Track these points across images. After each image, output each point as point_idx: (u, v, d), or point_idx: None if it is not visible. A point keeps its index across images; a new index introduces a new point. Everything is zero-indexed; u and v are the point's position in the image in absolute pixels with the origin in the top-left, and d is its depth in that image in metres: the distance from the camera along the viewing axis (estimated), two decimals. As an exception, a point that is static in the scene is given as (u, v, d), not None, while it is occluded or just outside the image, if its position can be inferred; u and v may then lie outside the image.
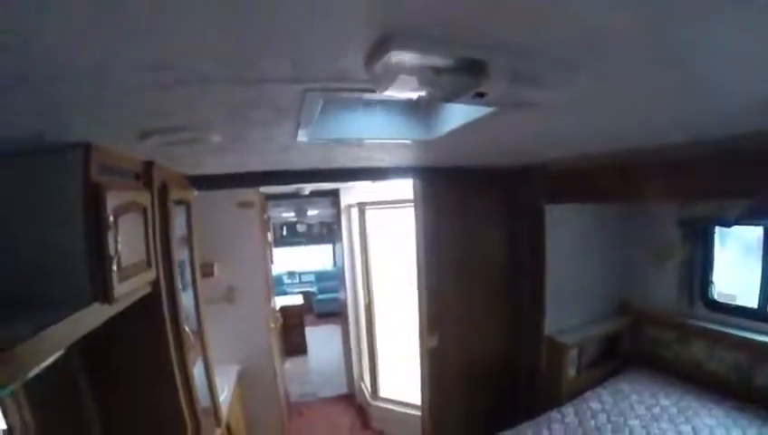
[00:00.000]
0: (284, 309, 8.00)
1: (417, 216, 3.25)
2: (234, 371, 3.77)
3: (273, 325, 4.16)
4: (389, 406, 4.60)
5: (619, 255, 3.77)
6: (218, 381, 3.45)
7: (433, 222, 3.21)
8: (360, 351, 5.12)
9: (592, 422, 2.88)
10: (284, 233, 11.42)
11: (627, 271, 3.81)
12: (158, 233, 1.89)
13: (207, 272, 3.52)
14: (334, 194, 4.90)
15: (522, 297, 3.71)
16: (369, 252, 4.30)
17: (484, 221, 3.48)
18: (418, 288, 3.37)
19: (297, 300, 8.58)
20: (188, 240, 2.46)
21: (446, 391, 3.52)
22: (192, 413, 2.09)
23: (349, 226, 4.75)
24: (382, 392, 4.69)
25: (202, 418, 2.19)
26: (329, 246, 12.22)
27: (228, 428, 3.17)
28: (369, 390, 4.75)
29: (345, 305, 5.12)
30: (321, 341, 9.08)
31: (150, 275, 1.76)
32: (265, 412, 4.22)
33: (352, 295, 4.97)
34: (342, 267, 4.94)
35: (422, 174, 3.10)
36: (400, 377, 4.97)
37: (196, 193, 2.61)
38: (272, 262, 8.56)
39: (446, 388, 3.51)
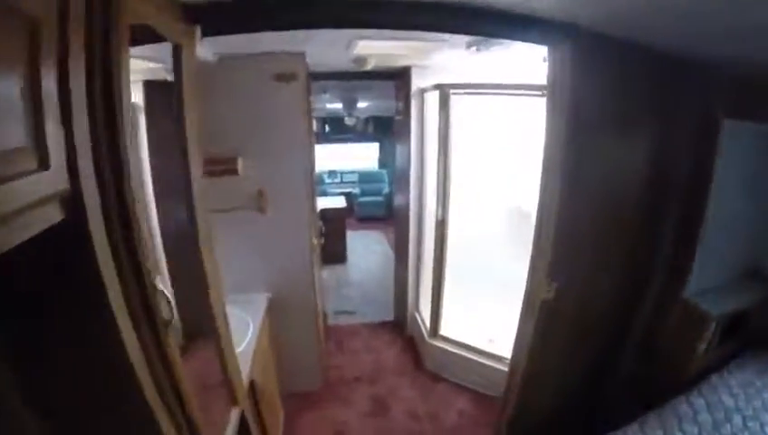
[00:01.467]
0: (324, 212, 7.11)
1: (553, 111, 2.08)
2: (263, 302, 2.90)
3: (315, 241, 3.21)
4: (452, 348, 3.73)
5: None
6: (241, 320, 2.61)
7: (573, 125, 2.03)
8: (420, 274, 4.16)
9: (728, 427, 2.08)
10: (327, 128, 10.28)
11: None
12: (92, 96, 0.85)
13: (229, 169, 2.53)
14: (401, 75, 3.71)
15: (660, 241, 2.62)
16: (449, 154, 3.17)
17: (630, 129, 2.29)
18: (540, 220, 2.30)
19: (339, 202, 7.66)
20: (177, 112, 1.40)
21: (547, 352, 2.56)
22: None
23: (420, 116, 3.60)
24: (444, 331, 3.79)
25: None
26: (374, 145, 11.13)
27: (252, 387, 2.32)
28: (428, 325, 3.86)
29: (405, 215, 4.06)
30: (362, 248, 8.30)
31: (53, 183, 0.74)
32: (302, 350, 3.42)
33: (416, 205, 3.92)
34: (407, 168, 3.82)
35: (574, 40, 1.88)
36: (468, 316, 4.07)
37: (198, 34, 1.50)
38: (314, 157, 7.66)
39: (548, 348, 2.55)
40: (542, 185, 2.22)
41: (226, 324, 1.81)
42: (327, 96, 5.26)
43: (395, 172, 4.64)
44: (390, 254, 7.94)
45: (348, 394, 3.66)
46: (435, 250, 3.50)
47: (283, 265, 3.01)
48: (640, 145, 2.37)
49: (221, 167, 2.48)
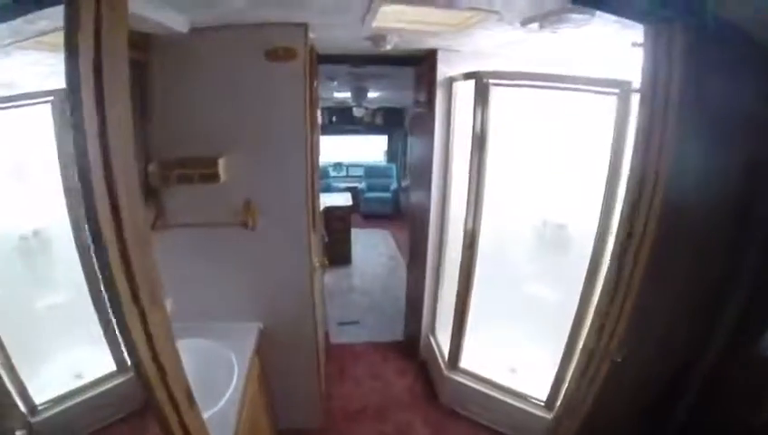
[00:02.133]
0: (329, 211, 6.58)
1: (650, 111, 1.51)
2: (252, 333, 2.35)
3: (316, 262, 2.65)
4: (472, 383, 3.17)
5: None
6: (221, 360, 2.09)
7: (676, 131, 1.46)
8: (438, 290, 3.58)
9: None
10: (334, 119, 9.67)
11: None
12: None
13: (207, 174, 1.95)
14: (425, 60, 3.13)
15: (740, 280, 2.03)
16: (485, 156, 2.57)
17: (723, 138, 1.71)
18: (620, 255, 1.72)
19: (344, 200, 7.07)
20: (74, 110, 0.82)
21: (600, 415, 2.01)
22: None
23: (446, 109, 3.00)
24: (464, 362, 3.23)
25: None
26: (383, 138, 10.54)
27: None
28: (446, 356, 3.29)
29: (422, 219, 3.40)
30: (368, 249, 7.75)
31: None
32: (299, 386, 2.86)
33: (438, 209, 3.30)
34: (428, 166, 3.17)
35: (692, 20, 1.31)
36: (489, 342, 3.52)
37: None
38: (318, 154, 7.09)
39: (604, 410, 2.00)
40: (629, 203, 1.64)
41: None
42: (335, 84, 4.68)
43: (411, 169, 4.04)
44: (398, 256, 7.41)
45: (352, 433, 3.11)
46: (461, 266, 2.91)
47: (277, 290, 2.44)
48: (736, 167, 1.79)
49: (197, 171, 1.91)
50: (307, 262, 2.38)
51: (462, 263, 2.89)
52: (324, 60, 3.25)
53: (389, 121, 9.81)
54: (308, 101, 2.16)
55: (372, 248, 7.78)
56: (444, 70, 2.87)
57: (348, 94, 6.07)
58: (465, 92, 2.78)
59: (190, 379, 2.07)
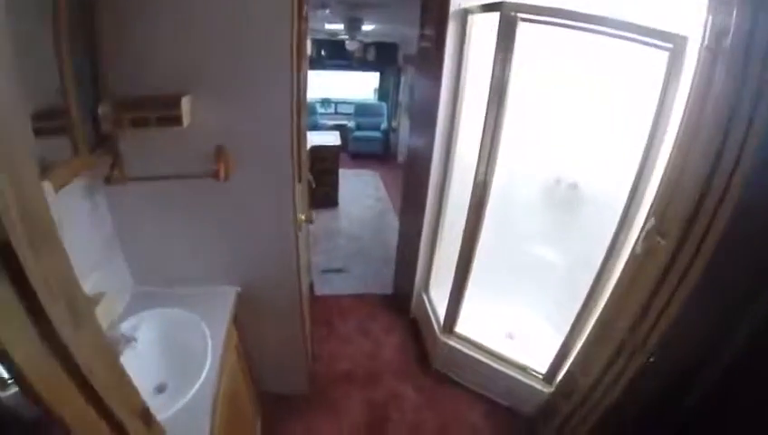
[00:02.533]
0: (316, 150, 6.20)
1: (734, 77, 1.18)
2: (229, 299, 2.07)
3: (302, 217, 2.33)
4: (468, 350, 2.96)
5: None
6: (193, 332, 1.82)
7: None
8: (435, 244, 3.30)
9: None
10: (323, 52, 9.04)
11: None
12: None
13: (168, 116, 1.58)
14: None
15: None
16: (505, 103, 2.20)
17: None
18: (678, 232, 1.44)
19: (332, 138, 6.66)
20: None
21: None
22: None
23: (458, 46, 2.57)
24: (460, 327, 3.01)
25: None
26: (374, 74, 9.97)
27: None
28: (441, 318, 3.06)
29: (422, 165, 3.07)
30: (356, 191, 7.44)
31: None
32: (284, 352, 2.63)
33: (441, 156, 2.92)
34: (433, 109, 2.76)
35: None
36: (486, 305, 3.30)
37: None
38: (305, 91, 6.60)
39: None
40: (698, 185, 1.35)
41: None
42: (327, 13, 4.18)
43: (411, 109, 3.66)
44: (386, 199, 7.13)
45: (340, 399, 2.92)
46: (468, 222, 2.59)
47: (256, 250, 2.12)
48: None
49: (155, 113, 1.54)
50: (291, 217, 2.05)
51: (468, 218, 2.58)
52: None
53: (382, 57, 9.22)
54: (296, 29, 1.78)
55: (361, 190, 7.48)
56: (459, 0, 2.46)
57: (340, 26, 5.54)
58: (482, 29, 2.39)
59: (159, 357, 1.84)
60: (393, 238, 4.76)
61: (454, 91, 2.62)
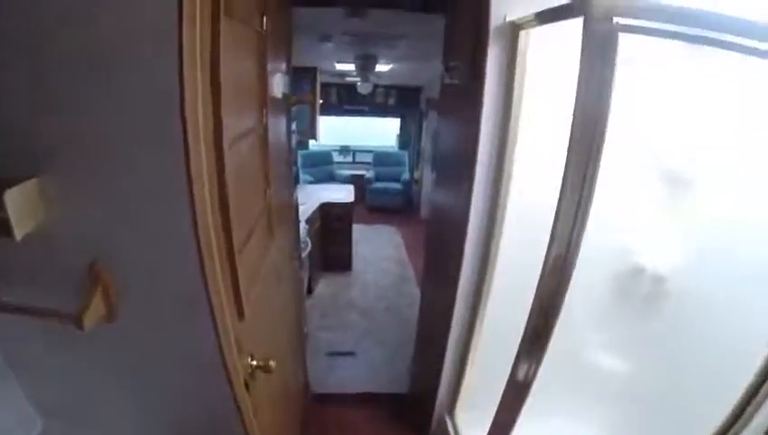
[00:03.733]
0: (326, 208, 5.42)
1: None
2: None
3: (252, 362, 1.42)
4: None
5: None
6: None
7: None
8: (471, 344, 2.25)
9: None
10: (337, 97, 8.39)
11: None
12: None
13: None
14: (460, 2, 1.91)
15: None
16: (599, 154, 1.24)
17: None
18: None
19: (346, 194, 5.88)
20: None
21: None
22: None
23: (505, 74, 1.68)
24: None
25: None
26: (395, 121, 9.27)
27: None
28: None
29: (453, 232, 1.99)
30: (372, 250, 6.62)
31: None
32: None
33: (482, 221, 1.97)
34: (469, 159, 1.67)
35: None
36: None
37: None
38: (316, 138, 5.88)
39: None
40: None
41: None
42: (331, 47, 3.45)
43: (438, 159, 2.72)
44: (406, 261, 6.28)
45: None
46: (533, 316, 1.60)
47: (173, 414, 1.27)
48: None
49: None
50: (221, 368, 1.19)
51: (535, 312, 1.64)
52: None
53: (404, 102, 8.52)
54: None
55: (378, 251, 6.62)
56: (501, 10, 1.63)
57: (351, 66, 4.82)
58: (543, 46, 1.57)
59: None
60: (412, 314, 4.06)
61: (500, 134, 1.74)
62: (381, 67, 4.94)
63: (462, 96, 1.94)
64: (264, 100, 1.46)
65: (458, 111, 2.03)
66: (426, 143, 7.85)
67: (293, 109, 4.56)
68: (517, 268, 1.86)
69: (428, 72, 6.17)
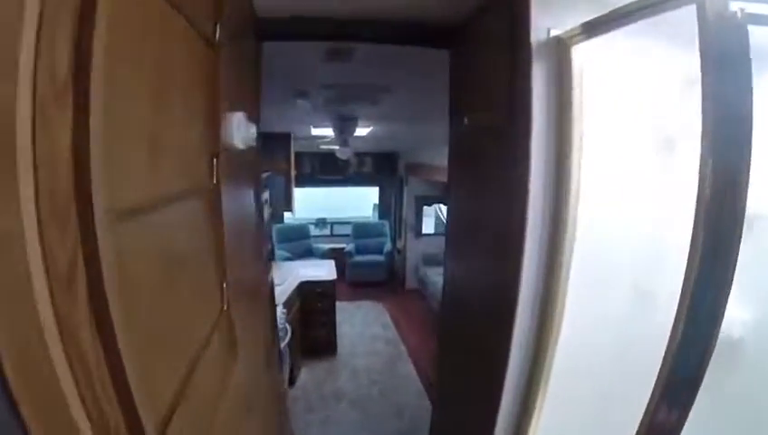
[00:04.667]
0: (305, 287, 4.86)
1: None
2: None
3: None
4: None
5: None
6: None
7: None
8: None
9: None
10: (310, 167, 8.00)
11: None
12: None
13: None
14: (475, 28, 1.50)
15: None
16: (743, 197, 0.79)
17: None
18: None
19: (327, 270, 5.34)
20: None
21: None
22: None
23: (558, 102, 1.21)
24: None
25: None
26: (373, 189, 8.92)
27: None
28: None
29: (501, 318, 1.42)
30: (359, 330, 6.08)
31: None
32: None
33: (534, 302, 1.37)
34: (517, 227, 1.28)
35: None
36: None
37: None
38: (292, 210, 5.42)
39: None
40: None
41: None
42: (308, 106, 3.04)
43: (451, 228, 2.11)
44: (396, 340, 5.69)
45: None
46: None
47: None
48: None
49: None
50: None
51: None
52: (274, 31, 1.64)
53: (380, 169, 8.20)
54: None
55: (365, 329, 6.03)
56: (544, 22, 1.20)
57: (328, 130, 4.42)
58: (598, 64, 1.14)
59: None
60: (409, 399, 4.16)
61: (556, 181, 1.25)
62: (360, 130, 4.57)
63: (493, 141, 1.48)
64: (214, 146, 0.98)
65: (488, 160, 1.56)
66: (408, 210, 7.44)
67: (263, 176, 4.10)
68: (588, 366, 1.36)
69: (408, 136, 5.86)
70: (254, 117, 1.59)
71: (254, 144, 1.58)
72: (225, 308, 1.10)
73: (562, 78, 1.20)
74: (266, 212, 4.13)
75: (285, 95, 2.81)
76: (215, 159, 1.01)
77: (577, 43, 1.19)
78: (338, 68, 2.24)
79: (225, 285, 1.09)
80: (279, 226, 7.57)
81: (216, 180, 1.02)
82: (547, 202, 1.27)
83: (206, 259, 0.99)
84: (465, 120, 1.70)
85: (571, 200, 1.22)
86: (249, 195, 1.58)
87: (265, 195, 2.94)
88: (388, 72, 2.35)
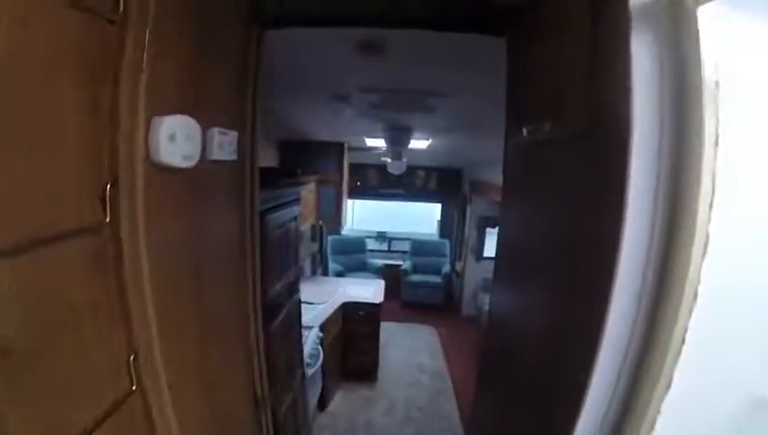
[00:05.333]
0: (350, 307, 4.52)
1: None
2: None
3: None
4: None
5: None
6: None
7: None
8: None
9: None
10: (375, 179, 7.68)
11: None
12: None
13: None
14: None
15: None
16: None
17: None
18: None
19: (374, 292, 4.95)
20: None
21: None
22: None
23: (672, 90, 0.71)
24: None
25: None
26: (435, 206, 8.47)
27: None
28: None
29: (562, 373, 0.95)
30: (405, 357, 5.61)
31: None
32: None
33: (625, 358, 0.84)
34: (602, 243, 0.81)
35: None
36: None
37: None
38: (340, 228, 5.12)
39: None
40: None
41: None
42: (351, 113, 2.70)
43: (506, 253, 1.65)
44: (444, 374, 5.20)
45: None
46: None
47: None
48: None
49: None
50: None
51: None
52: (282, 14, 1.30)
53: (444, 185, 7.71)
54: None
55: (411, 358, 5.57)
56: None
57: (380, 140, 4.07)
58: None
59: None
60: None
61: (670, 215, 0.79)
62: (418, 143, 4.19)
63: (565, 155, 1.04)
64: (100, 163, 0.64)
65: (558, 181, 1.11)
66: (470, 231, 6.93)
67: (306, 191, 3.80)
68: None
69: (471, 151, 5.41)
70: (237, 122, 1.25)
71: (235, 157, 1.23)
72: (133, 389, 0.76)
73: (681, 54, 0.75)
74: (304, 230, 3.85)
75: (323, 99, 2.49)
76: (108, 185, 0.67)
77: (705, 2, 0.74)
78: (374, 66, 1.87)
79: (132, 359, 0.76)
80: (334, 237, 7.32)
81: (113, 216, 0.69)
82: (652, 243, 0.81)
83: (94, 323, 0.66)
84: (525, 131, 1.27)
85: (693, 242, 0.76)
86: (227, 222, 1.24)
87: (296, 210, 2.63)
88: (434, 72, 1.96)
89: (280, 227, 2.30)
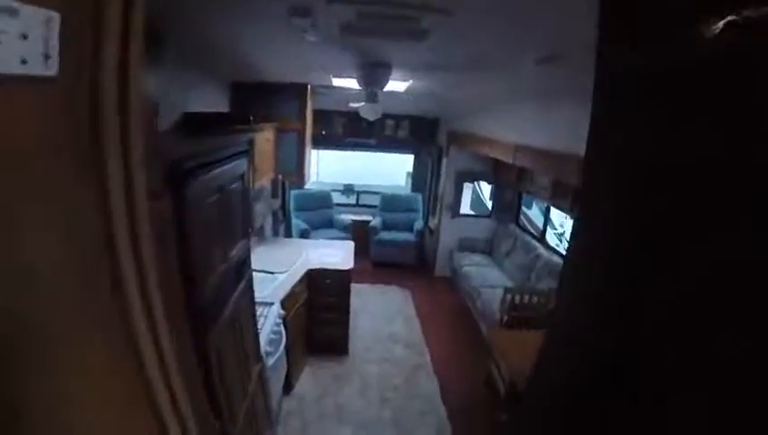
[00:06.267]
0: (316, 275, 3.94)
1: None
2: None
3: None
4: None
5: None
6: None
7: None
8: None
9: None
10: (342, 128, 6.92)
11: None
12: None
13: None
14: None
15: None
16: None
17: None
18: None
19: (341, 257, 4.35)
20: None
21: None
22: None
23: None
24: None
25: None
26: (407, 157, 7.85)
27: None
28: None
29: None
30: (378, 325, 5.13)
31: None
32: None
33: None
34: None
35: None
36: None
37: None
38: (302, 184, 4.48)
39: None
40: None
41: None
42: (314, 39, 2.02)
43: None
44: (420, 343, 4.74)
45: None
46: None
47: None
48: None
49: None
50: None
51: None
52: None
53: (418, 135, 7.04)
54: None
55: (384, 326, 5.08)
56: None
57: (352, 82, 3.37)
58: None
59: None
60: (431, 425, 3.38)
61: None
62: (396, 85, 3.50)
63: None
64: None
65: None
66: (446, 185, 6.36)
67: (262, 139, 3.10)
68: None
69: (455, 98, 4.74)
70: None
71: (53, 70, 0.56)
72: None
73: None
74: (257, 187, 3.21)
75: (280, 20, 1.80)
76: None
77: None
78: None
79: None
80: (297, 192, 6.64)
81: None
82: None
83: None
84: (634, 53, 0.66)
85: None
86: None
87: (242, 166, 1.96)
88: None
89: (217, 190, 1.65)
